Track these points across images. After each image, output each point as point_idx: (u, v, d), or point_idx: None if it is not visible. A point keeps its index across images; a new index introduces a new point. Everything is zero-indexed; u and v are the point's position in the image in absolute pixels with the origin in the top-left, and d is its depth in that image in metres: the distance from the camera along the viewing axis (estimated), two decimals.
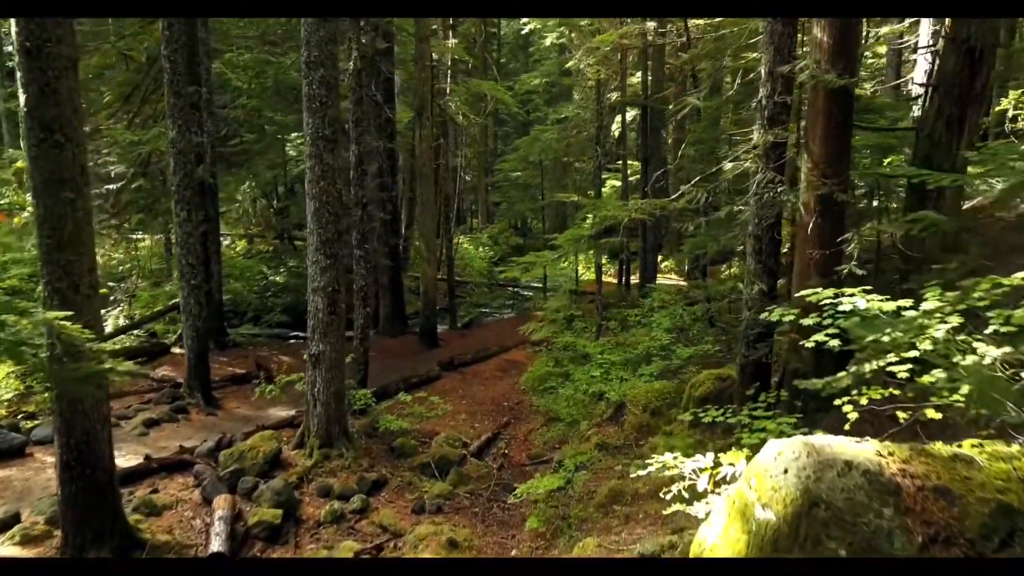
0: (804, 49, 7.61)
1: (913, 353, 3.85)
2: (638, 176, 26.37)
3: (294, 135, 22.12)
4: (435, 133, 21.08)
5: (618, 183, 28.42)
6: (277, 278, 22.67)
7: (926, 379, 3.83)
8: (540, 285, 26.93)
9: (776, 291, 7.52)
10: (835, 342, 4.28)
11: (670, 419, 9.72)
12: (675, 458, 4.39)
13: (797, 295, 7.03)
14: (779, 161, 7.13)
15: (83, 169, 5.77)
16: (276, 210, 25.42)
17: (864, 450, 3.46)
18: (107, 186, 13.19)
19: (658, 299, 12.92)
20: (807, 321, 4.53)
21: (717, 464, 4.22)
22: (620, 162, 27.57)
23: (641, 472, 4.44)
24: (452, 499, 8.73)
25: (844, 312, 4.10)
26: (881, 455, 3.39)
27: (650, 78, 22.20)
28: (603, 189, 25.61)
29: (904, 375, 3.91)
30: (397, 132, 17.55)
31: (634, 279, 24.36)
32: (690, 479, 4.32)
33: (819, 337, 4.37)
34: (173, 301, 15.34)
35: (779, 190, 6.89)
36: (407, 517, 8.80)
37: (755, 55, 16.07)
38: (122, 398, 11.23)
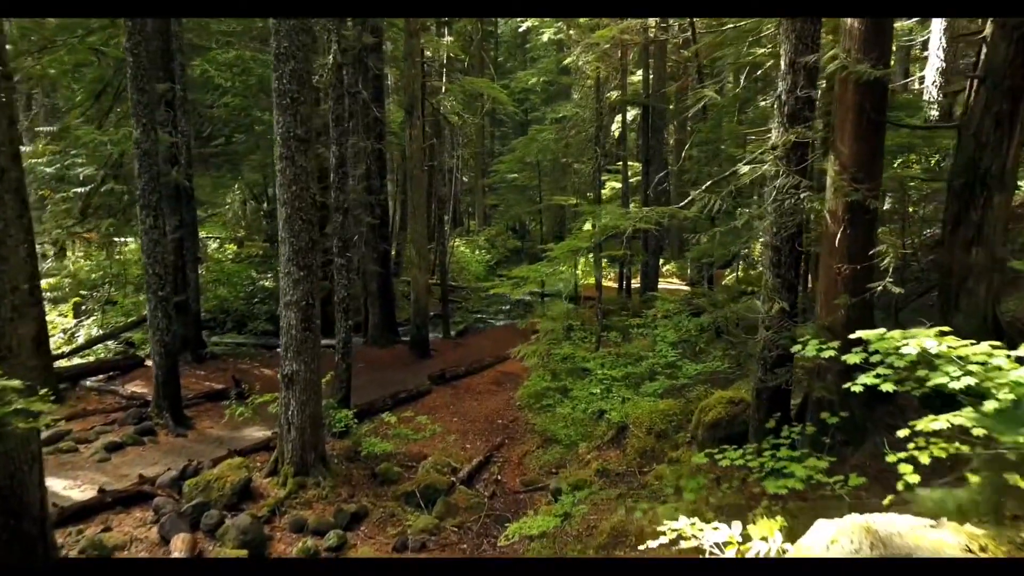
0: (829, 37, 6.87)
1: (992, 404, 3.08)
2: (639, 178, 25.64)
3: None
4: (428, 133, 20.31)
5: (618, 185, 27.64)
6: (265, 283, 21.91)
7: (1009, 438, 3.06)
8: (539, 290, 26.26)
9: (796, 307, 6.75)
10: (889, 386, 3.50)
11: (676, 443, 8.94)
12: (692, 524, 3.62)
13: (824, 321, 6.29)
14: (801, 163, 6.35)
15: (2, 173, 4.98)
16: (266, 212, 24.68)
17: (945, 541, 2.67)
18: (75, 189, 12.40)
19: (661, 309, 12.14)
20: (853, 358, 3.74)
21: (746, 538, 3.44)
22: (620, 163, 26.86)
23: (651, 543, 3.66)
24: (438, 534, 7.93)
25: (905, 353, 3.31)
26: (971, 551, 2.60)
27: (651, 76, 21.41)
28: (603, 191, 24.87)
29: (981, 432, 3.14)
30: (388, 132, 16.74)
31: (635, 283, 23.64)
32: (711, 551, 3.54)
33: (869, 380, 3.59)
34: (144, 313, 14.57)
35: (802, 196, 6.11)
36: (388, 556, 8.06)
37: (762, 50, 15.32)
38: (86, 418, 10.44)
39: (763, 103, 17.10)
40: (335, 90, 9.86)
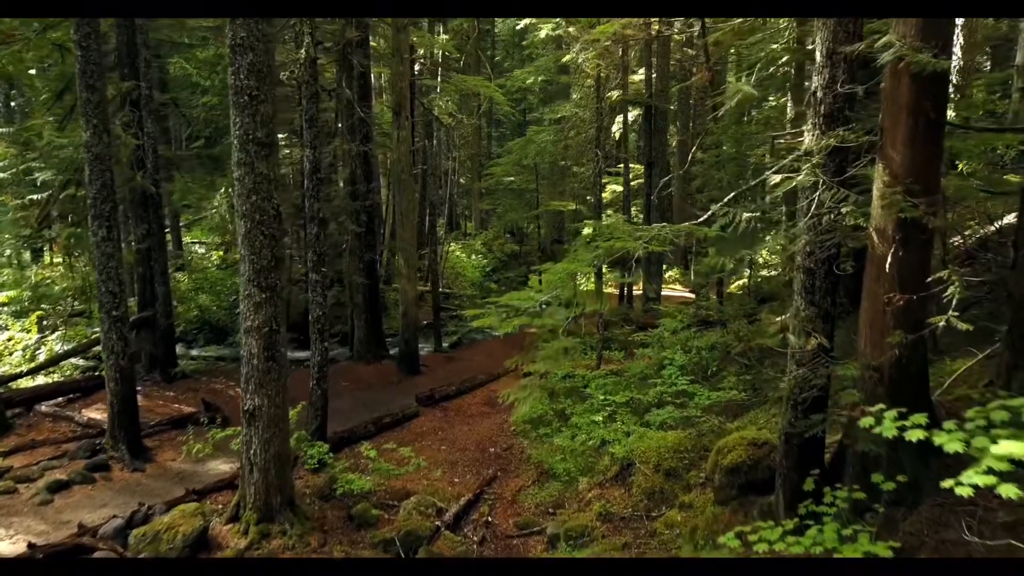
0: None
1: None
2: (640, 180, 24.68)
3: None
4: (420, 135, 19.34)
5: (619, 188, 26.69)
6: None
7: None
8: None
9: (833, 339, 5.77)
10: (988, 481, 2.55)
11: (688, 484, 7.97)
12: None
13: (869, 360, 5.32)
14: (841, 172, 5.39)
15: None
16: None
17: None
18: (32, 196, 11.42)
19: (669, 328, 11.17)
20: (952, 446, 2.77)
21: None
22: (621, 165, 25.90)
23: None
24: None
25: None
26: None
27: (654, 74, 20.47)
28: (603, 194, 23.92)
29: None
30: (380, 133, 15.77)
31: (637, 289, 22.68)
32: None
33: (978, 478, 2.63)
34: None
35: (844, 211, 5.15)
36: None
37: (776, 46, 14.33)
38: (34, 450, 9.46)
39: (773, 102, 16.17)
40: (308, 88, 8.88)
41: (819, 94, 5.51)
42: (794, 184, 5.12)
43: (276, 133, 6.98)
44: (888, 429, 3.08)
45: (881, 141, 5.17)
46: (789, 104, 13.99)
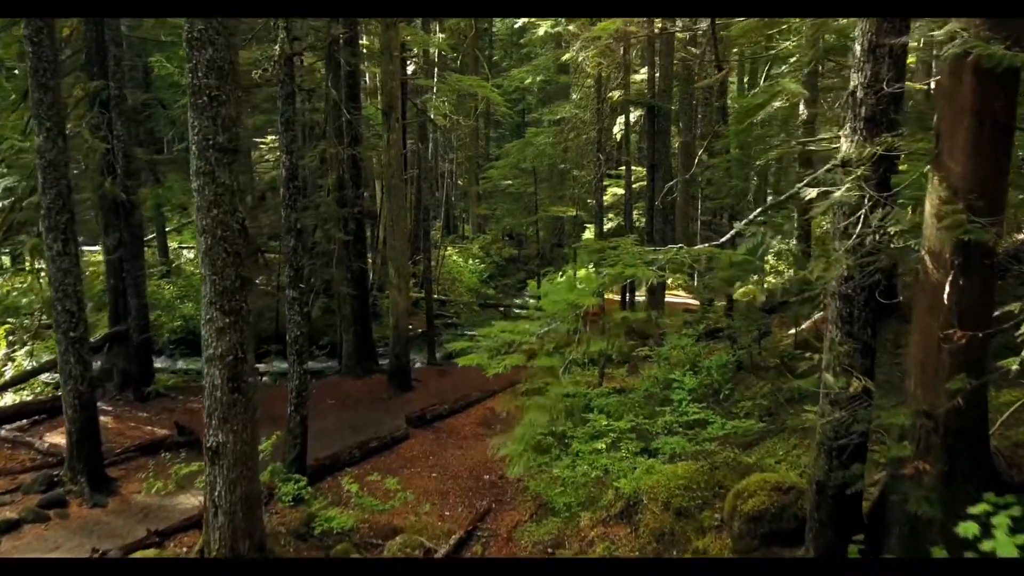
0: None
1: None
2: (642, 183, 23.92)
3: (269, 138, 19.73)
4: (414, 136, 18.59)
5: (620, 191, 25.94)
6: None
7: None
8: (534, 300, 24.56)
9: (873, 376, 5.02)
10: None
11: (702, 526, 7.19)
12: None
13: (922, 405, 4.56)
14: (884, 185, 4.64)
15: None
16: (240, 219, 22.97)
17: None
18: None
19: (675, 345, 10.42)
20: None
21: None
22: (622, 168, 25.13)
23: None
24: None
25: None
26: None
27: (657, 74, 19.71)
28: (604, 198, 23.16)
29: None
30: (373, 135, 15.01)
31: (639, 295, 21.95)
32: None
33: None
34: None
35: (892, 231, 4.40)
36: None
37: (787, 44, 13.57)
38: None
39: (777, 104, 15.34)
40: (284, 87, 8.12)
41: (859, 94, 4.76)
42: (835, 200, 4.35)
43: (240, 138, 6.22)
44: (1001, 547, 2.30)
45: (936, 149, 4.41)
46: (801, 105, 13.26)
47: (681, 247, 4.51)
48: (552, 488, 8.62)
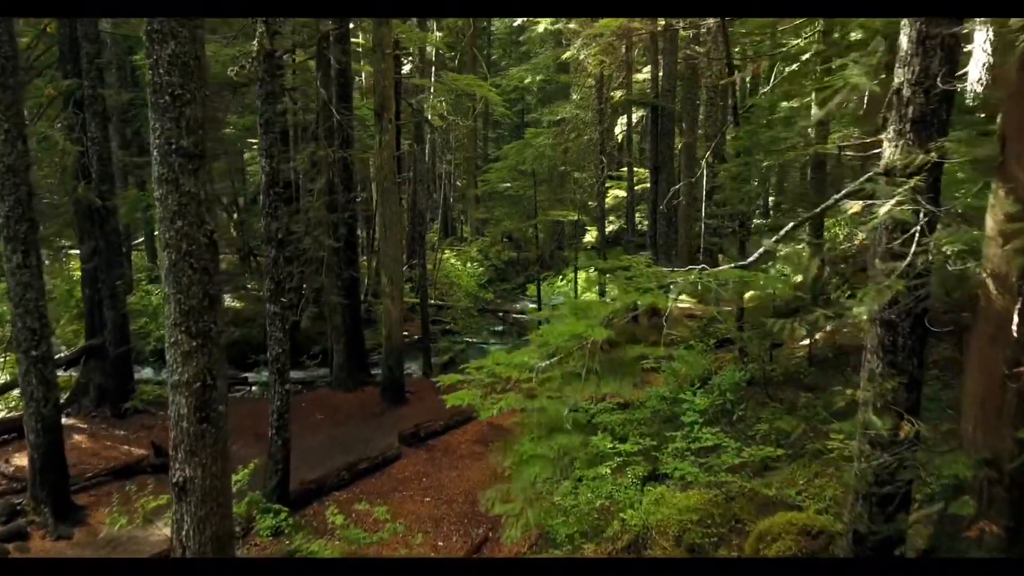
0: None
1: None
2: (645, 185, 23.29)
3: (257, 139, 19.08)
4: (410, 137, 17.98)
5: (622, 193, 25.32)
6: (236, 303, 19.67)
7: None
8: (534, 305, 23.89)
9: (919, 414, 4.41)
10: None
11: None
12: None
13: (982, 452, 3.96)
14: (933, 195, 4.04)
15: None
16: (236, 223, 22.42)
17: None
18: None
19: (685, 365, 9.81)
20: None
21: None
22: (624, 170, 24.51)
23: None
24: None
25: None
26: None
27: (660, 73, 19.12)
28: (606, 200, 22.54)
29: None
30: (359, 137, 14.40)
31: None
32: None
33: None
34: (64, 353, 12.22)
35: (949, 251, 3.80)
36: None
37: (797, 41, 12.98)
38: None
39: (792, 103, 14.75)
40: (264, 86, 7.52)
41: (905, 92, 4.17)
42: (884, 216, 3.74)
43: (206, 141, 5.61)
44: None
45: (1001, 156, 3.82)
46: (814, 107, 12.65)
47: (703, 269, 3.91)
48: (553, 516, 8.01)
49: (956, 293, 4.14)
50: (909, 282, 4.01)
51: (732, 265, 3.92)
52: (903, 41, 4.21)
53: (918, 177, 3.75)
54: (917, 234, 3.71)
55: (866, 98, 4.37)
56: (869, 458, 4.35)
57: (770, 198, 24.92)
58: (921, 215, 3.70)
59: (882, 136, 4.37)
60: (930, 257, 3.91)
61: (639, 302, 3.57)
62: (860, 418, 4.46)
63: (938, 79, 3.96)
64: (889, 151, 4.29)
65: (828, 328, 10.53)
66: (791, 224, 4.12)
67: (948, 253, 3.95)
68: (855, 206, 3.84)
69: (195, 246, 5.65)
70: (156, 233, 23.90)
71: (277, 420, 8.02)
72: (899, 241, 3.78)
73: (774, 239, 3.99)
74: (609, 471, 8.29)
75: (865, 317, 3.77)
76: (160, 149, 5.49)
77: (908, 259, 3.65)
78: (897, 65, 4.29)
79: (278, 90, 7.74)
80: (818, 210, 4.22)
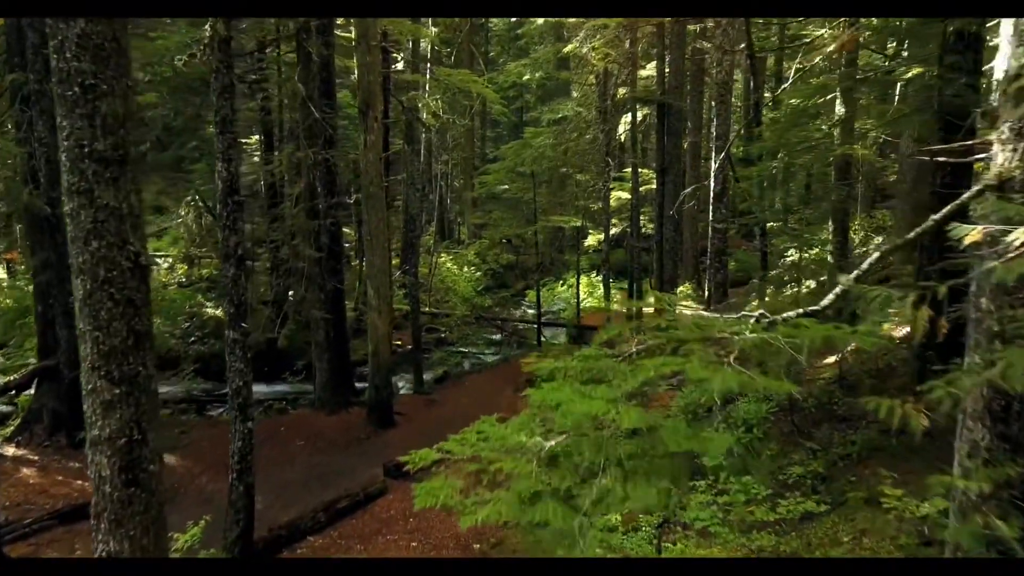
0: None
1: None
2: (650, 187, 22.25)
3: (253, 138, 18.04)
4: (401, 137, 16.94)
5: (625, 195, 24.24)
6: (218, 311, 18.64)
7: None
8: (533, 309, 22.86)
9: None
10: None
11: None
12: None
13: None
14: None
15: None
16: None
17: None
18: None
19: (702, 387, 8.73)
20: None
21: None
22: (628, 170, 23.45)
23: None
24: None
25: None
26: None
27: (667, 69, 18.08)
28: (610, 203, 21.49)
29: None
30: (339, 137, 13.35)
31: (647, 307, 20.31)
32: None
33: None
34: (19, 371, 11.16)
35: None
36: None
37: (824, 31, 12.02)
38: None
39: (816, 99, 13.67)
40: (219, 78, 6.48)
41: (1012, 88, 3.14)
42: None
43: (130, 143, 4.57)
44: None
45: None
46: (838, 103, 11.61)
47: (763, 316, 2.87)
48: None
49: None
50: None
51: (801, 311, 2.92)
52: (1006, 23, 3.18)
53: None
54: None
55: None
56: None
57: (779, 201, 23.91)
58: None
59: (991, 137, 3.34)
60: None
61: (693, 376, 2.54)
62: (955, 509, 3.42)
63: None
64: (1001, 158, 3.26)
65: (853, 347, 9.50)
66: (875, 255, 3.11)
67: None
68: (973, 232, 2.81)
69: (116, 272, 4.60)
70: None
71: (238, 463, 6.97)
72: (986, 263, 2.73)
73: (854, 275, 2.99)
74: (619, 519, 7.29)
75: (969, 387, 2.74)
76: (69, 153, 4.44)
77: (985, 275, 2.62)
78: (1000, 54, 3.26)
79: (235, 82, 6.69)
80: (913, 235, 3.19)
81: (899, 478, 6.63)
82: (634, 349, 3.35)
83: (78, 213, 4.49)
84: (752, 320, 2.88)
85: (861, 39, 10.66)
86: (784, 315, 2.91)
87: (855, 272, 3.02)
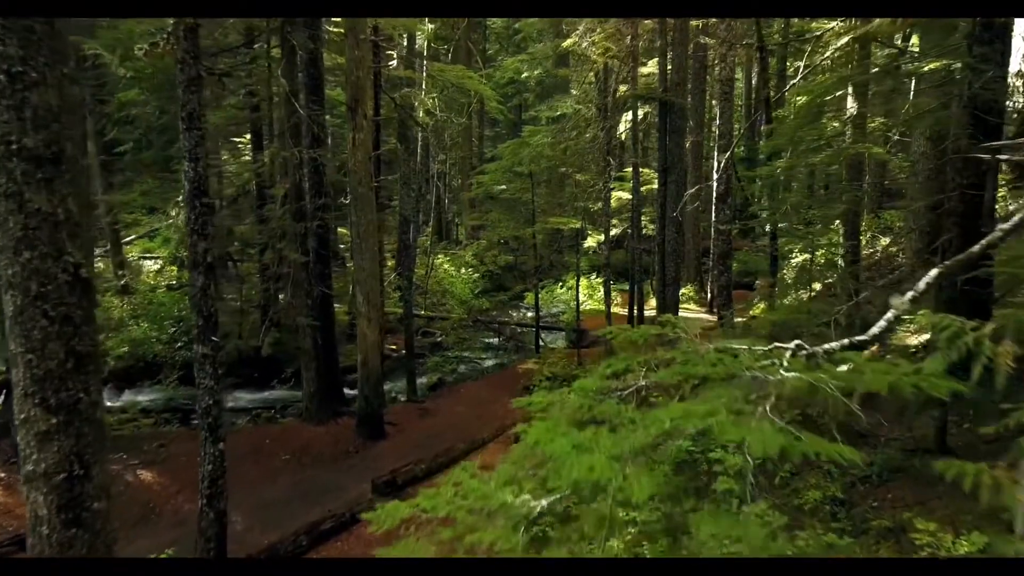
0: None
1: None
2: (651, 187, 21.69)
3: (246, 136, 17.52)
4: (394, 136, 16.41)
5: (626, 195, 23.68)
6: None
7: None
8: (532, 312, 22.31)
9: None
10: None
11: None
12: None
13: None
14: None
15: None
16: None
17: None
18: None
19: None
20: None
21: None
22: (628, 170, 22.90)
23: None
24: None
25: None
26: None
27: (670, 66, 17.52)
28: (610, 203, 20.95)
29: None
30: (326, 136, 12.81)
31: (649, 308, 19.79)
32: None
33: None
34: None
35: None
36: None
37: (834, 24, 11.53)
38: None
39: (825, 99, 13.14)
40: (185, 70, 5.94)
41: None
42: None
43: (66, 140, 4.03)
44: None
45: None
46: (850, 98, 11.07)
47: (800, 348, 2.35)
48: None
49: None
50: None
51: (846, 342, 2.40)
52: None
53: None
54: None
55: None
56: None
57: (785, 204, 23.35)
58: None
59: None
60: None
61: (722, 437, 2.03)
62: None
63: None
64: None
65: (873, 348, 8.99)
66: (933, 271, 2.58)
67: None
68: None
69: (51, 286, 4.07)
70: (134, 238, 22.36)
71: (208, 487, 6.43)
72: None
73: (908, 296, 2.45)
74: (620, 546, 6.75)
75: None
76: None
77: None
78: None
79: (203, 74, 6.15)
80: (978, 247, 2.64)
81: (926, 506, 6.12)
82: (642, 382, 2.84)
83: (6, 219, 3.96)
84: (788, 353, 2.36)
85: (872, 32, 10.13)
86: (825, 347, 2.39)
87: (909, 294, 2.49)
